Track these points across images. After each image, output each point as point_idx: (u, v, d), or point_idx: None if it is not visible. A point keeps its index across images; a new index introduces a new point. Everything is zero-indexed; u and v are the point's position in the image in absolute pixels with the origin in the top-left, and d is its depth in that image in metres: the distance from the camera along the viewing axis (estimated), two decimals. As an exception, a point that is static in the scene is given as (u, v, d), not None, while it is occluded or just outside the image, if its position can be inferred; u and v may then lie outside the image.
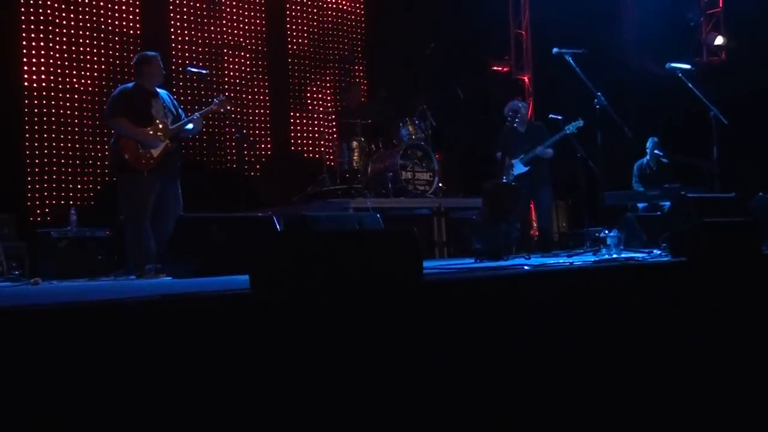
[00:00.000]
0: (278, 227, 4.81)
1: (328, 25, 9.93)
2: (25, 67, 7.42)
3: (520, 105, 7.16)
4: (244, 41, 9.15)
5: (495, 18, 10.51)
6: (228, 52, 9.00)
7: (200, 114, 5.68)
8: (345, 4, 10.11)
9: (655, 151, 8.48)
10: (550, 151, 6.92)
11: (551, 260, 4.68)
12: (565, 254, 5.57)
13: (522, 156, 6.92)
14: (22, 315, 1.85)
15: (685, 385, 2.98)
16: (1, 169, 6.96)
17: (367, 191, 7.53)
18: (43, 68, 7.51)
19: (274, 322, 2.09)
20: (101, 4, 7.99)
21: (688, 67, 6.65)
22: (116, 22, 8.09)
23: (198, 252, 4.28)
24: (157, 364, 1.86)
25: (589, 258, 4.69)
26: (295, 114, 9.59)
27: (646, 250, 4.87)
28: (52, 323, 1.80)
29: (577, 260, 4.43)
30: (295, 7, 9.65)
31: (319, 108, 9.71)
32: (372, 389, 2.19)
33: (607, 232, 4.86)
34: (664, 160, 8.49)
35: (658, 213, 7.38)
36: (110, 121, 5.49)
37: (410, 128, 7.83)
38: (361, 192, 7.46)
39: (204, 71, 6.14)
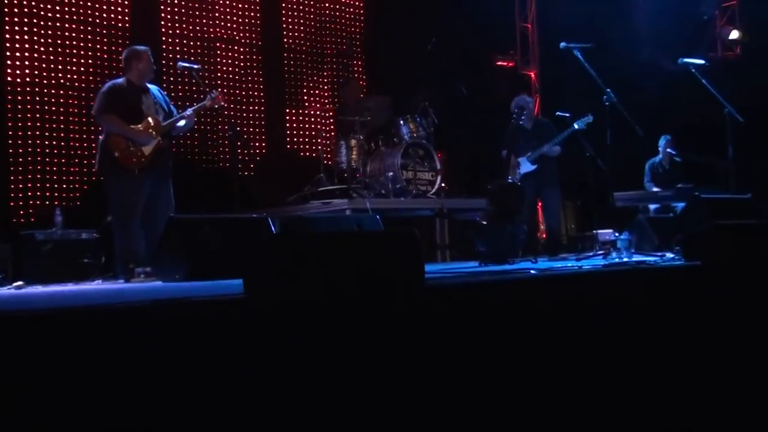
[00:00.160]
0: (273, 229, 4.81)
1: (325, 18, 9.93)
2: (9, 62, 7.41)
3: (526, 101, 7.16)
4: (238, 35, 9.15)
5: (500, 11, 10.50)
6: (221, 46, 8.99)
7: (193, 110, 5.68)
8: (343, -4, 10.12)
9: (668, 150, 8.49)
10: (557, 148, 6.91)
11: (559, 264, 4.68)
12: (574, 257, 5.57)
13: (529, 154, 6.92)
14: (4, 321, 1.85)
15: (699, 395, 2.98)
16: (-17, 168, 6.96)
17: (366, 191, 7.53)
18: (27, 62, 7.51)
19: (269, 329, 2.09)
20: (88, -5, 7.99)
21: (701, 62, 6.64)
22: (104, 15, 8.09)
23: (189, 255, 4.28)
24: (145, 373, 1.86)
25: (599, 262, 4.69)
26: (291, 111, 9.59)
27: (658, 254, 4.87)
28: (36, 330, 1.80)
29: (586, 264, 4.43)
30: (292, -2, 9.65)
31: (316, 105, 9.71)
32: (372, 400, 2.19)
33: (617, 234, 4.86)
34: (677, 159, 8.50)
35: (671, 215, 7.40)
36: (99, 118, 5.48)
37: (411, 126, 7.83)
38: (359, 192, 7.46)
39: (195, 66, 6.13)
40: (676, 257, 4.23)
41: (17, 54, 7.47)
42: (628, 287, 3.21)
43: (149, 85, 5.56)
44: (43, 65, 7.60)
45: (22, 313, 1.93)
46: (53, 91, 7.65)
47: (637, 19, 10.30)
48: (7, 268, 5.78)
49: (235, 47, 9.12)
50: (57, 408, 1.74)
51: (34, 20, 7.59)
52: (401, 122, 7.83)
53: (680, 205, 7.20)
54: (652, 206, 7.91)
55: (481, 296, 2.71)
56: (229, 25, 9.07)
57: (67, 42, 7.81)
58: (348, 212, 6.88)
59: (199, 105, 5.76)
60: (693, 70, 6.44)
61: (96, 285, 5.15)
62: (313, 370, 2.10)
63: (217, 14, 8.98)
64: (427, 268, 2.69)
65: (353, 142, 7.83)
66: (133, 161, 5.30)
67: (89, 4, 7.98)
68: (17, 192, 7.34)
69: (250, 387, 2.00)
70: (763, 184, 6.31)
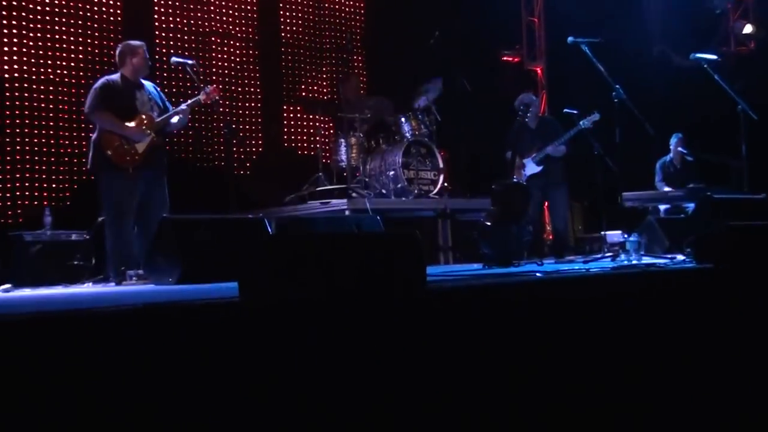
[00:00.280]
0: (270, 230, 4.81)
1: (324, 12, 9.92)
2: (-4, 57, 7.41)
3: (532, 99, 7.16)
4: (234, 29, 9.15)
5: (505, 4, 10.52)
6: (216, 40, 8.99)
7: (187, 105, 5.67)
8: (343, -11, 10.13)
9: (679, 149, 8.49)
10: (562, 148, 6.88)
11: (566, 266, 4.68)
12: (581, 260, 5.57)
13: (534, 155, 6.90)
14: (-9, 325, 1.85)
15: (711, 401, 2.97)
16: (-30, 166, 6.96)
17: (366, 191, 7.52)
18: (15, 57, 7.50)
19: (265, 333, 2.09)
20: (79, -13, 7.99)
21: (714, 57, 6.64)
22: (95, 8, 8.08)
23: (183, 257, 4.28)
24: (137, 379, 1.86)
25: (607, 264, 4.70)
26: (288, 108, 9.59)
27: (669, 256, 4.88)
28: (24, 335, 1.80)
29: (594, 266, 4.43)
30: (289, -9, 9.66)
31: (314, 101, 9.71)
32: (372, 406, 2.19)
33: (626, 235, 4.86)
34: (689, 158, 8.49)
35: (682, 215, 7.40)
36: (92, 115, 5.48)
37: (413, 123, 7.82)
38: (359, 192, 7.45)
39: (190, 62, 6.13)
40: (688, 260, 4.24)
41: (5, 49, 7.46)
42: (637, 291, 3.21)
43: (144, 81, 5.57)
44: (32, 60, 7.59)
45: (8, 318, 1.93)
46: (42, 87, 7.64)
47: (647, 12, 10.31)
48: (-6, 271, 5.79)
49: (231, 41, 9.11)
50: (45, 417, 1.73)
51: (23, 13, 7.58)
52: (402, 119, 7.82)
53: (691, 205, 7.20)
54: (662, 207, 7.90)
55: (484, 300, 2.70)
56: (224, 18, 9.07)
57: (57, 36, 7.79)
58: (347, 213, 6.88)
59: (193, 100, 5.75)
60: (705, 66, 6.44)
61: (86, 288, 5.15)
62: (310, 376, 2.09)
63: (212, 7, 8.97)
64: (430, 270, 2.69)
65: (353, 140, 7.82)
66: (127, 159, 5.31)
67: (80, -4, 7.98)
68: (4, 191, 7.32)
69: (246, 393, 1.99)
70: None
